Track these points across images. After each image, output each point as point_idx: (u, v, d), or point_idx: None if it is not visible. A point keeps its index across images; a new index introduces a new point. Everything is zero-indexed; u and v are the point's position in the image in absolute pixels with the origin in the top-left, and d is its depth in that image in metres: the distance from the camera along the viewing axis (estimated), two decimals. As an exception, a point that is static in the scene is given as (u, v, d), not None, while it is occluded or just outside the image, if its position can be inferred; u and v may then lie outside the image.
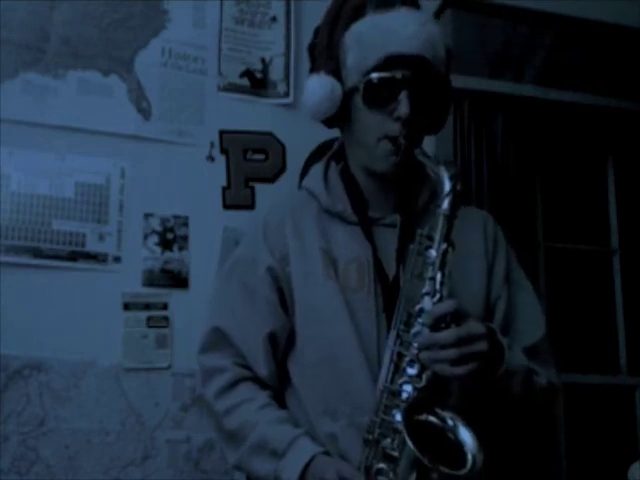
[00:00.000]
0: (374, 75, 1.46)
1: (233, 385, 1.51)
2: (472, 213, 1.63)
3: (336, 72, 1.51)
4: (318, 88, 1.52)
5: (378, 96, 1.47)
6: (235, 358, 1.53)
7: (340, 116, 1.54)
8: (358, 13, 1.52)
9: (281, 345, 1.53)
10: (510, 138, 2.59)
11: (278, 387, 1.54)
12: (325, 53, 1.54)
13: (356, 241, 1.51)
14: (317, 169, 1.62)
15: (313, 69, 1.56)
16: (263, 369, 1.51)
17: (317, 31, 1.60)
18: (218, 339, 1.55)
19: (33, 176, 2.14)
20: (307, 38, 2.33)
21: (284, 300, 1.53)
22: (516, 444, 1.64)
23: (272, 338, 1.52)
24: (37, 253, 2.11)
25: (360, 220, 1.53)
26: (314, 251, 1.51)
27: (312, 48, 1.60)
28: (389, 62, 1.45)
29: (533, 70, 2.65)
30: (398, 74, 1.45)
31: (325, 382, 1.46)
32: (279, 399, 1.53)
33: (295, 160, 2.32)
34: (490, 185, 2.52)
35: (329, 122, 1.58)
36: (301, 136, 2.30)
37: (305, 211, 1.56)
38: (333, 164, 1.62)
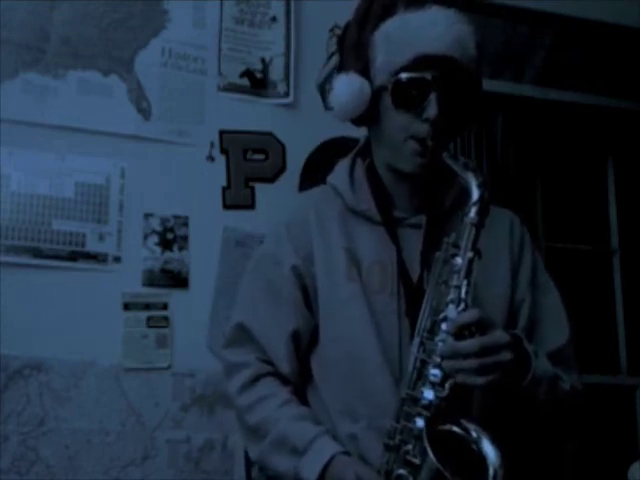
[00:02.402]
0: (403, 75, 1.44)
1: (255, 380, 1.51)
2: (498, 213, 1.60)
3: (365, 71, 1.49)
4: (346, 87, 1.49)
5: (407, 96, 1.45)
6: (257, 354, 1.52)
7: (368, 115, 1.51)
8: (388, 12, 1.49)
9: (304, 342, 1.52)
10: (510, 138, 2.59)
11: (301, 383, 1.53)
12: (354, 52, 1.51)
13: (380, 242, 1.50)
14: (343, 166, 1.60)
15: (341, 68, 1.54)
16: (285, 366, 1.51)
17: (346, 27, 1.57)
18: (241, 335, 1.55)
19: (33, 176, 2.14)
20: (307, 38, 2.38)
21: (308, 298, 1.52)
22: (536, 448, 1.64)
23: (295, 336, 1.51)
24: (37, 253, 2.11)
25: (385, 220, 1.51)
26: (338, 251, 1.50)
27: (340, 44, 1.58)
28: (418, 62, 1.43)
29: (533, 70, 2.65)
30: (427, 75, 1.43)
31: (345, 382, 1.46)
32: (301, 395, 1.53)
33: (295, 160, 2.32)
34: (490, 185, 2.51)
35: (357, 121, 1.56)
36: (301, 136, 2.31)
37: (329, 209, 1.55)
38: (359, 161, 1.59)
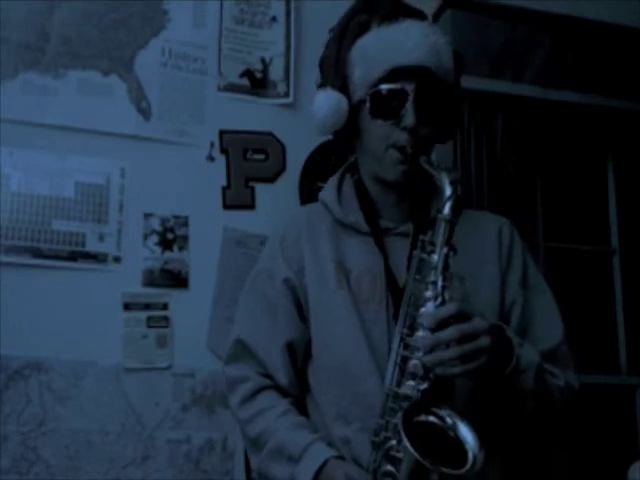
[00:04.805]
0: (381, 87, 1.49)
1: (255, 394, 1.56)
2: (488, 219, 1.65)
3: (343, 87, 1.54)
4: (324, 103, 1.55)
5: (385, 107, 1.49)
6: (257, 368, 1.57)
7: (350, 130, 1.57)
8: (364, 29, 1.55)
9: (300, 354, 1.57)
10: (510, 138, 2.59)
11: (299, 394, 1.57)
12: (332, 69, 1.57)
13: (368, 252, 1.54)
14: (332, 181, 1.66)
15: (321, 85, 1.59)
16: (283, 378, 1.55)
17: (326, 45, 1.63)
18: (240, 350, 1.60)
19: (33, 176, 2.14)
20: (307, 38, 2.38)
21: (302, 310, 1.56)
22: (531, 444, 1.65)
23: (290, 347, 1.56)
24: (37, 253, 2.11)
25: (372, 231, 1.55)
26: (328, 263, 1.54)
27: (321, 63, 1.63)
28: (394, 74, 1.48)
29: (533, 70, 2.65)
30: (404, 85, 1.47)
31: (337, 387, 1.49)
32: (301, 406, 1.56)
33: (295, 160, 2.32)
34: (490, 185, 2.52)
35: (339, 135, 1.60)
36: (301, 136, 2.31)
37: (320, 223, 1.60)
38: (348, 176, 1.65)
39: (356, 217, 1.57)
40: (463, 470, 1.23)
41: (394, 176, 1.52)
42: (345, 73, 1.55)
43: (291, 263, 1.57)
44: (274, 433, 1.48)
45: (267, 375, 1.56)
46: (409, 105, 1.47)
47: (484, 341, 1.32)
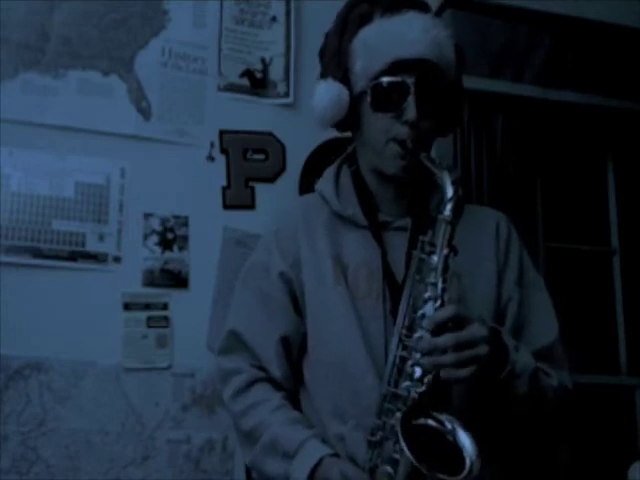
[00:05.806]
0: (382, 79, 1.48)
1: (249, 386, 1.54)
2: (486, 214, 1.64)
3: (345, 78, 1.53)
4: (325, 94, 1.53)
5: (386, 100, 1.48)
6: (251, 360, 1.56)
7: (351, 121, 1.55)
8: (366, 20, 1.53)
9: (295, 347, 1.56)
10: (510, 138, 2.59)
11: (294, 389, 1.56)
12: (333, 60, 1.55)
13: (366, 245, 1.53)
14: (329, 172, 1.64)
15: (322, 76, 1.58)
16: (277, 370, 1.54)
17: (327, 36, 1.61)
18: (234, 342, 1.58)
19: (33, 176, 2.14)
20: (307, 38, 2.38)
21: (297, 304, 1.55)
22: (524, 445, 1.65)
23: (285, 341, 1.54)
24: (37, 253, 2.11)
25: (370, 224, 1.54)
26: (325, 257, 1.53)
27: (321, 54, 1.62)
28: (396, 66, 1.47)
29: (533, 70, 2.65)
30: (406, 78, 1.46)
31: (334, 384, 1.48)
32: (295, 400, 1.55)
33: (295, 160, 2.32)
34: (490, 185, 2.52)
35: (340, 127, 1.59)
36: (301, 136, 2.31)
37: (317, 215, 1.58)
38: (345, 167, 1.63)
39: (354, 210, 1.56)
40: (460, 477, 1.22)
41: (394, 170, 1.50)
42: (346, 64, 1.53)
43: (287, 256, 1.55)
44: (268, 427, 1.47)
45: (261, 367, 1.55)
46: (410, 99, 1.45)
47: (482, 349, 1.31)
